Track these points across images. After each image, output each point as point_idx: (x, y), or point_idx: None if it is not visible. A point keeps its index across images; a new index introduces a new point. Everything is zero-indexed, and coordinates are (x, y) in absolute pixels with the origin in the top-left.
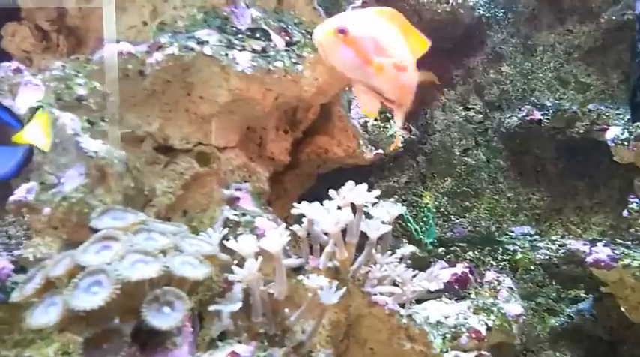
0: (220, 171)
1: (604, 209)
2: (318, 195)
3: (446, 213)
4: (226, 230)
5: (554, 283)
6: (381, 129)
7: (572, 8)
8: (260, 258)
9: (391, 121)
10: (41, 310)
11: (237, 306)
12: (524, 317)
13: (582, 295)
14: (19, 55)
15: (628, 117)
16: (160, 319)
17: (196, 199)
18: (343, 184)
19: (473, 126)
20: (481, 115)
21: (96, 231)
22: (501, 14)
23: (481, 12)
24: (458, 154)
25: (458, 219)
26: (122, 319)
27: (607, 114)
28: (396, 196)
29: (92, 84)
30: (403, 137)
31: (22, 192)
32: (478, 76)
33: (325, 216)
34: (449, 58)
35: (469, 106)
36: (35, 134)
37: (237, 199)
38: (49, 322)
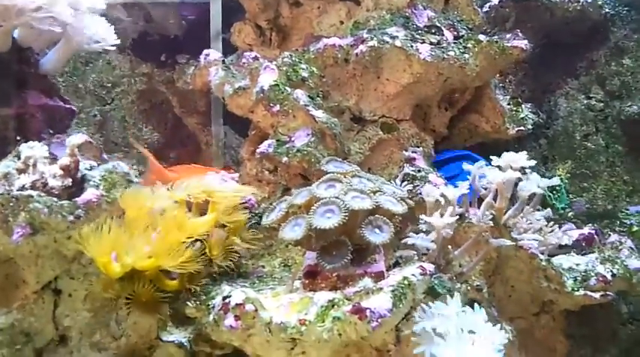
0: (399, 137)
1: None
2: None
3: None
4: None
5: None
6: (514, 111)
7: None
8: (450, 209)
9: (522, 106)
10: (289, 229)
11: (432, 245)
12: None
13: None
14: (243, 47)
15: None
16: (374, 236)
17: (379, 159)
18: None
19: (594, 113)
20: (602, 104)
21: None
22: (625, 12)
23: (606, 10)
24: (578, 138)
25: (576, 198)
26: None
27: None
28: None
29: (311, 69)
30: (532, 119)
31: (264, 146)
32: (600, 68)
33: (494, 172)
34: (573, 51)
35: (591, 95)
36: None
37: (414, 159)
38: (296, 236)
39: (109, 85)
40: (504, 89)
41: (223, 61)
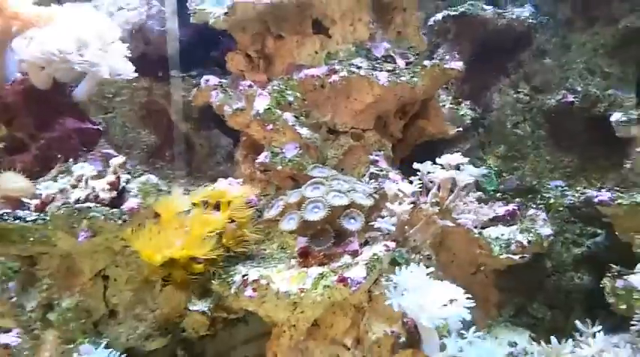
0: (365, 144)
1: (618, 168)
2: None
3: (499, 171)
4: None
5: (577, 222)
6: (454, 110)
7: (598, 15)
8: (406, 199)
9: (462, 104)
10: (285, 222)
11: (393, 228)
12: (552, 237)
13: (598, 231)
14: (236, 73)
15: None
16: (350, 225)
17: (350, 162)
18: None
19: (522, 105)
20: (528, 97)
21: (294, 179)
22: (545, 21)
23: (529, 20)
24: (509, 126)
25: (508, 175)
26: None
27: (622, 97)
28: None
29: (295, 93)
30: (470, 114)
31: (262, 157)
32: (526, 67)
33: (437, 170)
34: (503, 54)
35: (519, 90)
36: None
37: (377, 161)
38: (292, 227)
39: (110, 95)
40: (448, 90)
41: (221, 84)
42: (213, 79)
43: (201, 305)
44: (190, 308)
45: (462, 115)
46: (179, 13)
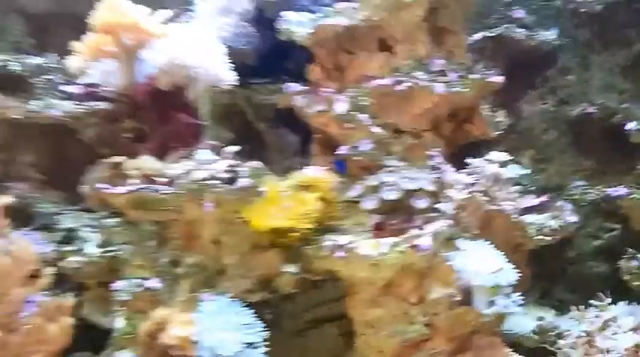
0: (424, 142)
1: (632, 172)
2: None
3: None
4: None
5: (597, 217)
6: (491, 116)
7: (614, 39)
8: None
9: (497, 112)
10: (367, 201)
11: (452, 210)
12: (577, 224)
13: (615, 226)
14: (315, 81)
15: None
16: (419, 204)
17: (410, 158)
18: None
19: (548, 115)
20: (554, 108)
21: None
22: (568, 42)
23: (555, 42)
24: (538, 133)
25: (537, 176)
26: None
27: (636, 110)
28: None
29: (368, 99)
30: (504, 121)
31: (343, 150)
32: (553, 82)
33: (487, 164)
34: (533, 70)
35: (546, 102)
36: None
37: (434, 156)
38: (372, 206)
39: None
40: (484, 99)
41: (303, 90)
42: (296, 86)
43: (292, 268)
44: (283, 270)
45: (498, 121)
46: (258, 30)
